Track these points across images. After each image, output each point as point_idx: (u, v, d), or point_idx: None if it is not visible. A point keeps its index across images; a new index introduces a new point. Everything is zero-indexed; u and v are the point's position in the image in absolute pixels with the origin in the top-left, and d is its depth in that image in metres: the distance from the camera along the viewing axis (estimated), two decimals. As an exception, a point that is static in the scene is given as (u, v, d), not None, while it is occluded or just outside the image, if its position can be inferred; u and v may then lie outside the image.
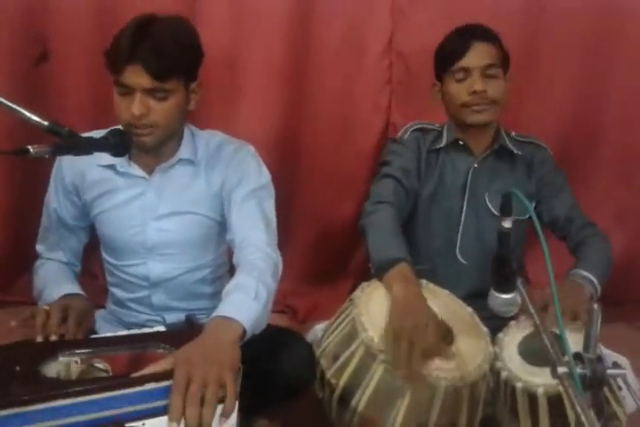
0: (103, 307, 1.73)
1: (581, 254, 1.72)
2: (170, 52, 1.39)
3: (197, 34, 1.51)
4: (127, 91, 1.41)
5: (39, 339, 1.32)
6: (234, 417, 1.08)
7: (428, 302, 1.45)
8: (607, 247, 1.75)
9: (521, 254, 1.90)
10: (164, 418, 1.05)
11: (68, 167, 1.59)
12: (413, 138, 1.83)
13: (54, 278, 1.57)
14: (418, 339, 1.35)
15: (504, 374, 1.44)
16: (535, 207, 1.83)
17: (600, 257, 1.71)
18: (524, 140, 1.87)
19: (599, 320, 1.01)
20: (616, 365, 1.01)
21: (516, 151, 1.81)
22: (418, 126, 1.85)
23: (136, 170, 1.55)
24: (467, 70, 1.72)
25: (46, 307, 1.38)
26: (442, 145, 1.81)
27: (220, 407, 1.07)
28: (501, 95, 1.73)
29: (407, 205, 1.78)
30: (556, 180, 1.84)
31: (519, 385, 1.41)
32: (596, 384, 0.99)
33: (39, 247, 1.66)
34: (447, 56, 1.75)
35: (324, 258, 2.47)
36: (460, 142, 1.80)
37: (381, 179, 1.78)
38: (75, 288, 1.55)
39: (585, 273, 1.63)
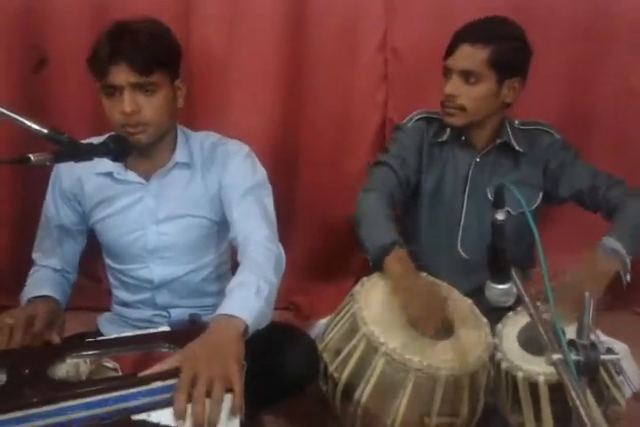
0: (108, 310, 1.75)
1: (612, 222, 1.67)
2: (150, 46, 1.43)
3: (172, 31, 1.54)
4: (115, 92, 1.44)
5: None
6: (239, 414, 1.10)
7: None
8: (638, 204, 1.69)
9: (530, 248, 1.83)
10: (170, 410, 1.06)
11: (66, 176, 1.61)
12: (417, 127, 1.81)
13: (35, 284, 1.58)
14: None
15: (504, 364, 1.47)
16: (554, 193, 1.81)
17: (631, 218, 1.66)
18: (528, 128, 1.83)
19: (592, 307, 1.03)
20: (609, 350, 1.03)
21: (517, 148, 1.78)
22: (423, 115, 1.82)
23: (133, 176, 1.57)
24: (449, 70, 1.70)
25: (10, 321, 1.38)
26: (444, 139, 1.79)
27: (226, 405, 1.08)
28: (472, 104, 1.68)
29: (399, 194, 1.76)
30: (566, 157, 1.80)
31: (520, 375, 1.43)
32: (590, 370, 1.01)
33: (35, 255, 1.67)
34: (445, 51, 1.72)
35: (326, 255, 2.49)
36: (462, 138, 1.77)
37: (375, 166, 1.79)
38: (47, 292, 1.54)
39: (609, 243, 1.59)
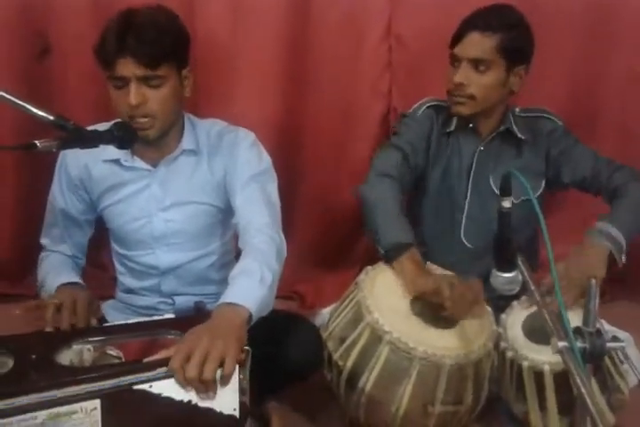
0: (113, 297, 1.76)
1: (612, 206, 1.69)
2: (156, 40, 1.41)
3: (180, 19, 1.53)
4: (122, 83, 1.43)
5: (48, 330, 1.34)
6: (235, 382, 1.11)
7: None
8: (639, 189, 1.70)
9: (534, 236, 1.88)
10: (171, 380, 1.08)
11: (73, 163, 1.61)
12: (427, 115, 1.81)
13: (55, 269, 1.59)
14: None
15: (509, 353, 1.47)
16: (557, 180, 1.82)
17: (629, 203, 1.67)
18: (529, 115, 1.84)
19: (597, 295, 1.03)
20: (615, 338, 1.03)
21: (520, 135, 1.79)
22: (432, 103, 1.82)
23: (140, 163, 1.57)
24: (458, 58, 1.69)
25: (55, 300, 1.39)
26: (452, 129, 1.79)
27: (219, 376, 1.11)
28: (482, 92, 1.68)
29: (409, 180, 1.77)
30: (566, 143, 1.81)
31: (525, 364, 1.44)
32: (595, 357, 1.01)
33: (44, 241, 1.68)
34: (451, 38, 1.72)
35: (330, 244, 2.48)
36: (470, 125, 1.78)
37: (389, 148, 1.77)
38: (74, 278, 1.56)
39: (603, 227, 1.60)
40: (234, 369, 1.11)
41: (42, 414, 1.03)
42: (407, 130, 1.80)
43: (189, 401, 1.09)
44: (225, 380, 1.11)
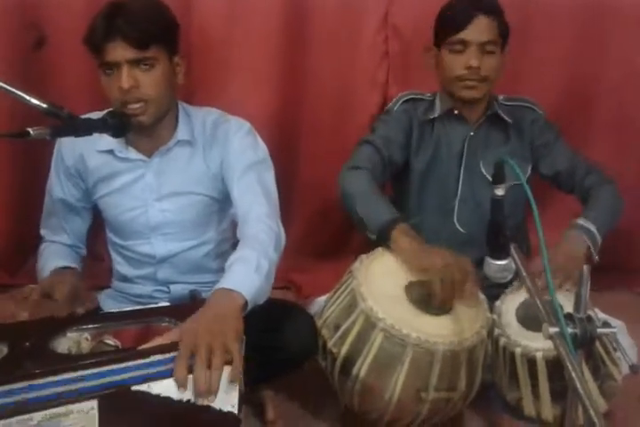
0: (109, 287, 1.77)
1: (586, 205, 1.75)
2: (144, 21, 1.42)
3: (169, 8, 1.53)
4: (113, 68, 1.43)
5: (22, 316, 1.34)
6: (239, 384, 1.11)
7: None
8: (611, 193, 1.77)
9: (523, 221, 1.92)
10: (169, 380, 1.08)
11: (68, 152, 1.62)
12: (403, 110, 1.84)
13: (52, 258, 1.60)
14: (454, 270, 1.43)
15: (503, 340, 1.48)
16: (535, 168, 1.85)
17: (604, 205, 1.74)
18: (511, 103, 1.87)
19: (589, 281, 1.04)
20: (606, 324, 1.04)
21: (507, 119, 1.81)
22: (408, 97, 1.86)
23: (134, 154, 1.58)
24: (465, 43, 1.69)
25: (33, 285, 1.40)
26: (436, 115, 1.81)
27: (226, 375, 1.09)
28: (494, 72, 1.72)
29: (383, 171, 1.77)
30: (548, 136, 1.84)
31: (518, 350, 1.45)
32: (586, 343, 1.02)
33: (43, 231, 1.69)
34: (449, 25, 1.72)
35: (326, 234, 2.49)
36: (455, 111, 1.80)
37: (360, 145, 1.80)
38: (69, 263, 1.57)
39: (584, 223, 1.67)
40: (240, 373, 1.10)
41: (37, 416, 1.03)
42: (382, 126, 1.83)
43: (188, 400, 1.08)
44: (232, 384, 1.09)
